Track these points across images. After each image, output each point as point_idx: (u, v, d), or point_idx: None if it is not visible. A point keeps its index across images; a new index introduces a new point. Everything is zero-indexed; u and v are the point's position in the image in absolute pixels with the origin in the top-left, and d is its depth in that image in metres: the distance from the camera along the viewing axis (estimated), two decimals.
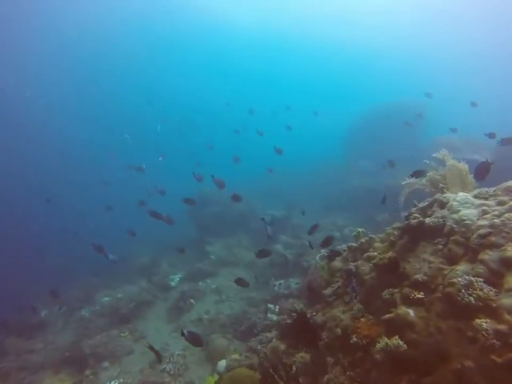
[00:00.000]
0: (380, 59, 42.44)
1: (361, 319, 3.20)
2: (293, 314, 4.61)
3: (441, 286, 2.64)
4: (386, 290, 3.10)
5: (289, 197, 21.37)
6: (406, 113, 22.20)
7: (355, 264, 3.76)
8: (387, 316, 2.81)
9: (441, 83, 35.51)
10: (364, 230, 4.42)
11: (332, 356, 3.42)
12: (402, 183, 4.34)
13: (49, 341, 10.86)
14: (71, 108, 37.24)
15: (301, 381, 3.88)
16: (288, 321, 6.75)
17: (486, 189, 3.27)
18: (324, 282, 4.48)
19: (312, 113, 21.54)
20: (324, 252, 10.25)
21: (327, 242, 5.29)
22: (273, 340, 6.33)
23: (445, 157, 3.99)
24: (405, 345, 2.49)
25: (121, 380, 7.74)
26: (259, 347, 6.27)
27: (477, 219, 2.82)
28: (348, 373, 3.03)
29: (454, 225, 2.91)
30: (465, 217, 2.88)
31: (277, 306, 8.01)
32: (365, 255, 3.72)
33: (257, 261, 12.42)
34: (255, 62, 45.15)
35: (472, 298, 2.24)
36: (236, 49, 43.09)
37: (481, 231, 2.64)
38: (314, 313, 4.00)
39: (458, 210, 3.01)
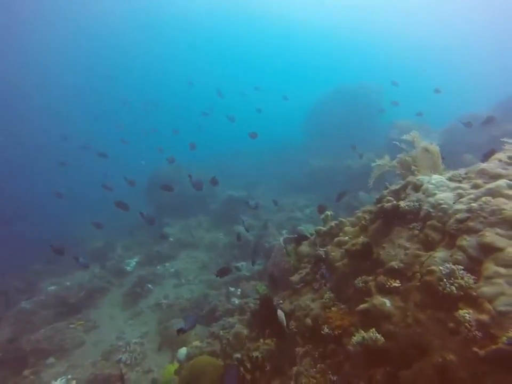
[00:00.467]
0: (342, 41, 42.68)
1: (333, 308, 3.02)
2: (257, 300, 4.35)
3: (418, 274, 2.49)
4: (360, 278, 2.93)
5: (249, 177, 21.10)
6: (366, 96, 22.77)
7: (324, 249, 3.57)
8: (362, 306, 2.62)
9: (403, 67, 36.88)
10: (332, 212, 4.24)
11: (300, 346, 3.23)
12: (372, 165, 4.17)
13: None
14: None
15: (267, 368, 3.68)
16: (252, 306, 6.60)
17: (458, 171, 3.18)
18: (291, 268, 4.26)
19: (269, 94, 21.13)
20: (287, 234, 10.23)
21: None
22: (236, 325, 6.13)
23: (415, 139, 3.87)
24: (382, 338, 2.32)
25: (70, 376, 7.10)
26: (221, 333, 6.01)
27: (453, 203, 2.69)
28: (318, 365, 2.85)
29: (431, 210, 2.76)
30: (441, 201, 2.74)
31: (239, 289, 7.80)
32: (335, 240, 3.52)
33: (217, 242, 12.11)
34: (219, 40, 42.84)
35: (454, 288, 2.10)
36: (200, 27, 40.38)
37: (459, 216, 2.51)
38: (281, 301, 3.78)
39: (434, 194, 2.87)
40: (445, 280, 2.16)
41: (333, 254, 3.40)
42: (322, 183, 17.38)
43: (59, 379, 7.21)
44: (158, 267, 10.89)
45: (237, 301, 7.20)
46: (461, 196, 2.72)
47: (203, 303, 8.93)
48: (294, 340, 3.42)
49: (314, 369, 2.84)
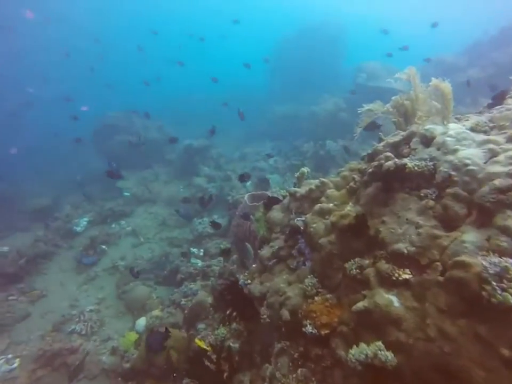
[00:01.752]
0: None
1: (316, 298, 2.30)
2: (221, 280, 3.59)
3: (439, 264, 1.76)
4: (352, 262, 2.18)
5: (207, 123, 19.35)
6: (328, 35, 20.94)
7: (303, 219, 2.77)
8: (360, 305, 1.90)
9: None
10: (308, 169, 3.38)
11: (275, 340, 2.57)
12: (359, 110, 3.26)
13: None
14: None
15: (236, 359, 3.06)
16: (217, 271, 5.92)
17: (480, 117, 2.37)
18: (259, 238, 3.46)
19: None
20: (249, 188, 9.39)
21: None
22: (199, 292, 5.48)
23: (412, 77, 2.95)
24: (395, 359, 1.64)
25: (10, 356, 6.19)
26: (183, 301, 5.36)
27: (485, 163, 1.91)
28: (299, 369, 2.19)
29: (452, 172, 1.97)
30: (468, 161, 1.94)
31: (201, 250, 7.06)
32: (317, 207, 2.71)
33: (177, 196, 11.03)
34: None
35: (509, 296, 1.38)
36: None
37: (498, 182, 1.74)
38: (248, 281, 3.03)
39: (455, 150, 2.05)
40: (493, 283, 1.43)
41: (314, 225, 2.61)
42: (286, 131, 16.40)
43: None
44: (113, 225, 9.73)
45: (199, 263, 6.49)
46: (494, 153, 1.93)
47: (164, 263, 8.18)
48: (266, 328, 2.75)
49: (294, 375, 2.19)
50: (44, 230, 9.71)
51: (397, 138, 2.61)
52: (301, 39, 20.99)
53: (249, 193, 5.60)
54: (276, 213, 3.27)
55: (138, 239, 9.27)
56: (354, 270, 2.13)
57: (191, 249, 7.22)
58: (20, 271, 8.12)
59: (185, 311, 5.09)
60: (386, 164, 2.33)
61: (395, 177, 2.28)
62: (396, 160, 2.32)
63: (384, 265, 1.95)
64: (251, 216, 4.09)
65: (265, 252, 3.03)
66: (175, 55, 21.10)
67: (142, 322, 5.85)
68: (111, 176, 7.19)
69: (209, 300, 5.15)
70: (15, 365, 6.14)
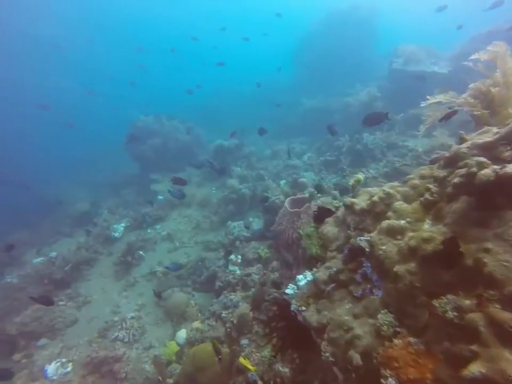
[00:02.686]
0: None
1: (396, 342, 1.87)
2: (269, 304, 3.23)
3: None
4: (445, 300, 1.72)
5: (236, 121, 19.05)
6: (357, 18, 19.72)
7: (368, 238, 2.33)
8: (474, 371, 1.44)
9: None
10: (362, 175, 2.89)
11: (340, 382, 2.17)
12: (423, 104, 2.72)
13: None
14: None
15: None
16: (257, 280, 5.60)
17: None
18: (308, 255, 3.05)
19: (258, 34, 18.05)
20: (284, 187, 8.93)
21: None
22: (240, 305, 5.19)
23: (503, 56, 2.36)
24: None
25: (64, 359, 6.35)
26: (224, 314, 5.11)
27: None
28: None
29: None
30: None
31: (239, 256, 6.78)
32: (384, 224, 2.26)
33: (210, 198, 10.88)
34: None
35: None
36: None
37: None
38: (303, 308, 2.65)
39: None
40: None
41: (383, 248, 2.16)
42: (316, 125, 15.68)
43: (53, 362, 6.48)
44: (149, 230, 9.78)
45: (238, 271, 6.21)
46: None
47: (201, 268, 8.03)
48: (328, 365, 2.36)
49: None
50: (85, 237, 9.96)
51: (489, 138, 2.07)
52: (328, 26, 20.02)
53: (289, 198, 5.20)
54: (330, 228, 2.84)
55: (174, 243, 9.23)
56: (450, 313, 1.67)
57: (229, 256, 6.99)
58: (66, 277, 8.38)
59: (227, 324, 4.83)
60: (482, 172, 1.82)
61: (497, 190, 1.77)
62: (495, 167, 1.81)
63: (501, 314, 1.48)
64: (300, 231, 3.68)
65: (321, 274, 2.62)
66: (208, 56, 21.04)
67: (182, 334, 5.70)
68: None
69: (251, 314, 4.85)
70: (69, 369, 6.31)
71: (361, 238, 2.40)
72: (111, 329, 6.98)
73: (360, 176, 2.84)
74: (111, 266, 8.81)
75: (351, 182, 2.92)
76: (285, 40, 27.34)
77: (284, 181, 10.55)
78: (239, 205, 9.94)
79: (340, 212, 2.87)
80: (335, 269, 2.55)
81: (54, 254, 10.08)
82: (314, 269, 2.88)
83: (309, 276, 4.76)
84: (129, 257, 8.57)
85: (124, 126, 15.29)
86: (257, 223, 8.76)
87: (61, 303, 7.71)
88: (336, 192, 8.18)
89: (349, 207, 2.71)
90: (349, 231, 2.60)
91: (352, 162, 10.24)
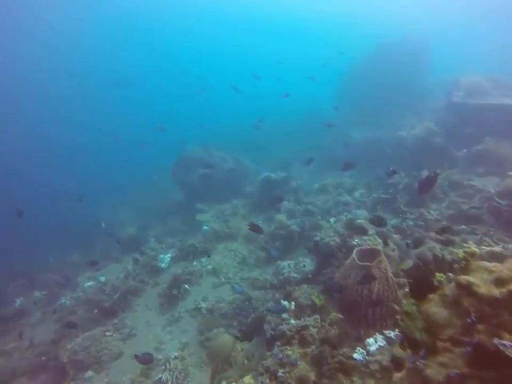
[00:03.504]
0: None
1: None
2: None
3: None
4: None
5: (282, 153, 19.04)
6: (409, 49, 19.33)
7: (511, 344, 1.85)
8: None
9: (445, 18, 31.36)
10: (478, 248, 2.44)
11: None
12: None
13: (26, 338, 9.22)
14: None
15: None
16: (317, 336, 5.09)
17: None
18: (412, 339, 2.58)
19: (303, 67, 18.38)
20: (334, 225, 8.40)
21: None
22: (299, 364, 4.70)
23: None
24: None
25: None
26: (280, 372, 4.63)
27: None
28: None
29: None
30: None
31: (292, 303, 6.32)
32: None
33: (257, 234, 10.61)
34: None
35: None
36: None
37: None
38: None
39: None
40: None
41: None
42: (366, 158, 15.14)
43: None
44: (194, 263, 9.69)
45: (292, 320, 5.74)
46: None
47: (247, 309, 7.65)
48: None
49: None
50: (132, 265, 10.13)
51: None
52: (378, 57, 19.81)
53: (357, 249, 4.75)
54: (437, 309, 2.39)
55: (219, 278, 9.00)
56: None
57: (282, 301, 6.55)
58: (114, 306, 8.44)
59: None
60: None
61: None
62: None
63: None
64: (395, 306, 3.23)
65: (433, 371, 2.16)
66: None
67: None
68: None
69: (313, 376, 4.35)
70: None
71: (502, 342, 1.90)
72: (154, 368, 6.75)
73: (474, 248, 2.39)
74: (156, 298, 8.75)
75: (460, 252, 2.47)
76: (330, 73, 27.69)
77: (334, 219, 10.05)
78: (287, 242, 9.58)
79: (450, 290, 2.42)
80: (456, 372, 2.07)
81: (103, 279, 10.35)
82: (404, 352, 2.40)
83: (380, 340, 4.21)
84: (175, 290, 8.46)
85: (173, 152, 15.92)
86: (308, 264, 8.27)
87: (107, 333, 7.70)
88: (397, 237, 7.56)
89: (465, 287, 2.26)
90: (469, 320, 2.14)
91: (409, 201, 9.54)
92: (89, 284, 10.25)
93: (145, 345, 7.44)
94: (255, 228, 6.59)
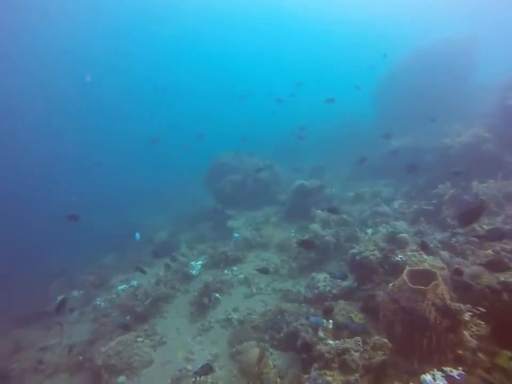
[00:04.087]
0: None
1: None
2: None
3: None
4: None
5: (315, 160, 18.55)
6: (451, 53, 18.17)
7: None
8: None
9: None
10: None
11: None
12: None
13: (66, 335, 9.54)
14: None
15: None
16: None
17: None
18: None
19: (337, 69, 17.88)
20: (373, 237, 7.81)
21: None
22: None
23: None
24: None
25: None
26: None
27: None
28: None
29: None
30: None
31: (330, 321, 5.88)
32: None
33: (289, 242, 10.27)
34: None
35: None
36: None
37: None
38: None
39: None
40: None
41: None
42: (404, 166, 14.25)
43: None
44: (226, 271, 9.51)
45: (331, 341, 5.30)
46: None
47: (280, 322, 7.29)
48: None
49: None
50: (164, 271, 10.16)
51: None
52: (417, 62, 18.86)
53: (408, 269, 4.27)
54: None
55: (251, 289, 8.73)
56: None
57: (323, 319, 6.12)
58: (145, 312, 8.44)
59: None
60: None
61: None
62: None
63: None
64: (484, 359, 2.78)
65: None
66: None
67: None
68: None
69: None
70: None
71: None
72: (183, 379, 6.58)
73: None
74: (186, 306, 8.65)
75: None
76: (365, 79, 26.82)
77: (371, 230, 9.44)
78: (321, 253, 9.12)
79: None
80: None
81: (135, 283, 10.49)
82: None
83: (440, 379, 3.68)
84: (205, 299, 8.29)
85: (206, 159, 16.02)
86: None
87: (139, 339, 7.69)
88: (445, 253, 6.89)
89: None
90: None
91: (457, 214, 8.70)
92: (122, 287, 10.42)
93: (175, 354, 7.32)
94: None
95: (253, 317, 7.74)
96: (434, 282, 3.88)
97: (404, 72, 19.43)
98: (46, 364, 8.42)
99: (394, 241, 7.26)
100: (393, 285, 4.49)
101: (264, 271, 7.39)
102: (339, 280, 7.25)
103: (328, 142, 19.60)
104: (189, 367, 6.83)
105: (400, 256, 6.33)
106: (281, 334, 7.02)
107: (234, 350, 7.02)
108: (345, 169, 17.66)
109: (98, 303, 10.28)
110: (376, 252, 7.10)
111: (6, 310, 12.14)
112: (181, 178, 21.60)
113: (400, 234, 7.05)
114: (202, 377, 6.40)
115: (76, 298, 11.28)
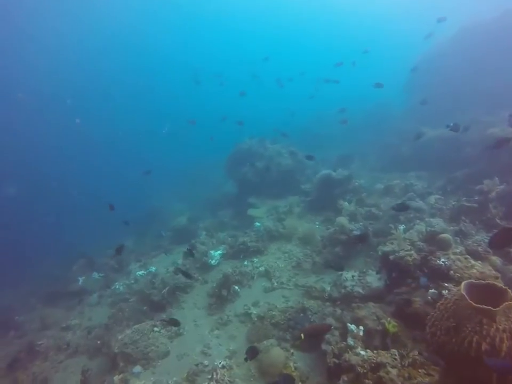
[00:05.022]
0: None
1: None
2: None
3: None
4: None
5: (341, 149, 17.50)
6: (495, 32, 16.16)
7: None
8: None
9: None
10: None
11: None
12: None
13: (86, 317, 9.54)
14: None
15: None
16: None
17: None
18: None
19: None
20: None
21: None
22: None
23: None
24: None
25: None
26: None
27: None
28: None
29: None
30: None
31: (361, 328, 5.27)
32: None
33: (314, 234, 9.63)
34: None
35: None
36: None
37: None
38: None
39: None
40: None
41: None
42: (439, 159, 13.08)
43: None
44: (246, 262, 9.03)
45: (362, 351, 4.70)
46: None
47: (302, 321, 6.77)
48: None
49: None
50: (182, 259, 9.85)
51: None
52: (458, 43, 17.09)
53: (467, 282, 3.55)
54: None
55: (271, 282, 8.22)
56: None
57: (349, 325, 5.52)
58: (162, 301, 8.17)
59: None
60: None
61: None
62: None
63: None
64: None
65: None
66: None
67: None
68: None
69: None
70: None
71: None
72: (200, 374, 6.25)
73: None
74: (205, 297, 8.30)
75: None
76: (396, 62, 24.97)
77: (403, 226, 8.59)
78: (348, 248, 8.43)
79: None
80: None
81: (153, 269, 10.27)
82: None
83: None
84: (224, 291, 7.88)
85: (229, 144, 15.45)
86: (372, 277, 7.09)
87: (155, 329, 7.41)
88: (496, 259, 6.03)
89: None
90: None
91: (508, 213, 7.72)
92: (140, 272, 10.25)
93: (191, 347, 7.01)
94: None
95: (273, 313, 7.25)
96: (506, 303, 3.15)
97: (439, 56, 17.73)
98: (67, 343, 8.47)
99: (433, 241, 6.44)
100: (446, 298, 3.79)
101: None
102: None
103: (357, 132, 18.41)
104: (206, 362, 6.49)
105: (443, 259, 5.56)
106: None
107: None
108: (371, 160, 16.59)
109: (117, 287, 10.18)
110: (413, 252, 6.35)
111: (34, 288, 12.45)
112: (208, 162, 21.21)
113: (442, 235, 6.22)
114: (219, 374, 6.03)
115: (95, 280, 11.29)
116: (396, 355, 4.50)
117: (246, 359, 5.12)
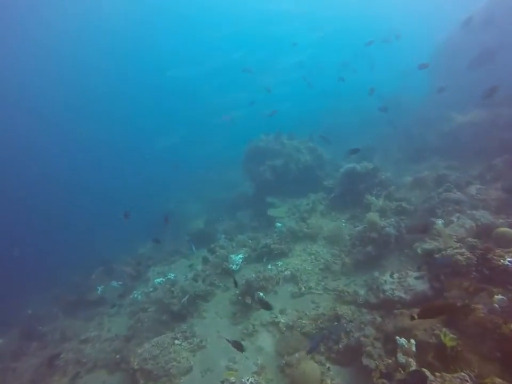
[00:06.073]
0: None
1: None
2: None
3: None
4: None
5: (364, 140, 16.43)
6: None
7: None
8: None
9: None
10: None
11: None
12: None
13: (105, 328, 9.10)
14: None
15: None
16: None
17: None
18: None
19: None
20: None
21: None
22: None
23: None
24: None
25: None
26: None
27: None
28: None
29: None
30: None
31: (412, 341, 4.45)
32: None
33: (341, 233, 8.81)
34: None
35: None
36: None
37: None
38: None
39: None
40: None
41: None
42: (471, 145, 11.94)
43: None
44: (269, 266, 8.31)
45: (413, 364, 3.90)
46: None
47: (337, 330, 5.98)
48: None
49: None
50: (202, 265, 9.25)
51: None
52: (489, 16, 15.67)
53: None
54: None
55: (299, 287, 7.47)
56: None
57: (398, 338, 4.71)
58: (183, 310, 7.57)
59: None
60: None
61: None
62: None
63: None
64: None
65: None
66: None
67: None
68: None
69: None
70: None
71: None
72: None
73: None
74: (227, 305, 7.64)
75: None
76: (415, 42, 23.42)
77: (442, 221, 7.63)
78: (380, 247, 7.57)
79: None
80: None
81: (172, 275, 9.73)
82: None
83: None
84: (248, 298, 7.18)
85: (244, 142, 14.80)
86: (414, 279, 6.21)
87: (176, 341, 6.81)
88: None
89: None
90: None
91: None
92: (159, 280, 9.72)
93: (216, 362, 6.35)
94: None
95: (304, 321, 6.51)
96: None
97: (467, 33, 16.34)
98: (86, 357, 8.04)
99: (489, 237, 5.53)
100: None
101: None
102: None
103: (376, 123, 17.30)
104: (232, 379, 5.81)
105: (508, 259, 4.64)
106: (340, 346, 5.74)
107: (283, 361, 5.87)
108: (394, 151, 15.50)
109: (135, 295, 9.71)
110: (463, 250, 5.46)
111: (57, 294, 12.21)
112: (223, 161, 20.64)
113: (501, 229, 5.29)
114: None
115: (114, 289, 10.89)
116: (466, 379, 3.65)
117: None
